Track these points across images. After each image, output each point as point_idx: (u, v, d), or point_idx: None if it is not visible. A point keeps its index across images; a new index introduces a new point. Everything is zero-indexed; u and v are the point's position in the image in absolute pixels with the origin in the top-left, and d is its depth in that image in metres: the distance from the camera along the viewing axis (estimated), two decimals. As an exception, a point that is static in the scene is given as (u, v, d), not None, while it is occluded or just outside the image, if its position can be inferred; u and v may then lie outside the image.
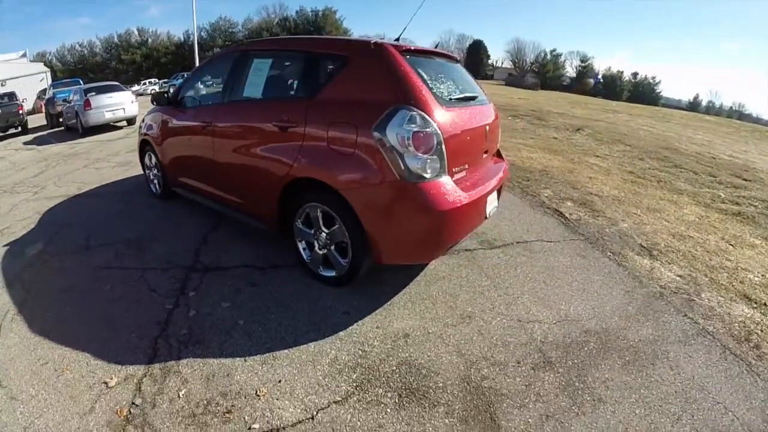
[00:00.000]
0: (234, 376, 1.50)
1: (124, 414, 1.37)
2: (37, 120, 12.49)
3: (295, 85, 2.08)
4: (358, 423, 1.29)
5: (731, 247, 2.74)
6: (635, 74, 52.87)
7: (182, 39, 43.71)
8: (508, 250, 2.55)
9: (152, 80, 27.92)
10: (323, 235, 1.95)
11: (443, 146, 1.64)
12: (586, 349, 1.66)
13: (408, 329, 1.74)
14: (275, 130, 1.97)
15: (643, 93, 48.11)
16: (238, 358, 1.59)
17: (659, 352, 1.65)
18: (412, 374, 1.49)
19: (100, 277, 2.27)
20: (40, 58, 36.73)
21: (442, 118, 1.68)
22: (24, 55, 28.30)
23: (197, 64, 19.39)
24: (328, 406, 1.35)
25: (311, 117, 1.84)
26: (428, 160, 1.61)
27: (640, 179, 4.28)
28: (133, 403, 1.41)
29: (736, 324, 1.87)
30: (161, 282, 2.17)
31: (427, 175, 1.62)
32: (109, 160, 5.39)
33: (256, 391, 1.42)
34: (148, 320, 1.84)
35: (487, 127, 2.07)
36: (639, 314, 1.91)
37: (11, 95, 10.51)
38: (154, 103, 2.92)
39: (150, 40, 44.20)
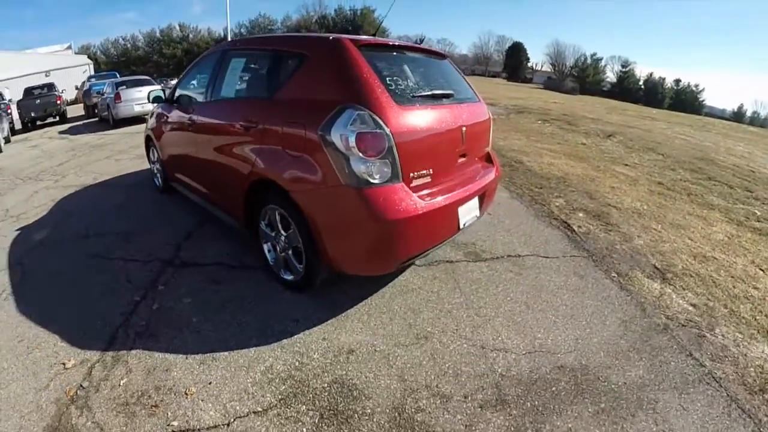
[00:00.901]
0: (172, 372, 1.61)
1: (71, 394, 1.53)
2: (78, 110, 13.97)
3: (260, 84, 2.15)
4: (270, 437, 1.32)
5: (761, 272, 2.42)
6: (678, 81, 52.54)
7: (222, 35, 47.27)
8: (494, 265, 2.44)
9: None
10: (282, 238, 2.00)
11: (395, 149, 1.60)
12: (553, 388, 1.52)
13: (354, 345, 1.74)
14: (240, 129, 2.06)
15: (685, 101, 47.82)
16: (180, 355, 1.69)
17: (645, 401, 1.48)
18: (342, 395, 1.48)
19: (88, 264, 2.52)
20: (85, 50, 40.29)
21: (397, 118, 1.63)
22: (69, 47, 31.15)
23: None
24: (247, 415, 1.40)
25: (270, 117, 1.90)
26: (376, 164, 1.57)
27: (669, 191, 4.00)
28: (81, 386, 1.56)
29: (752, 369, 1.64)
30: (138, 274, 2.36)
31: (375, 181, 1.58)
32: (130, 152, 5.96)
33: (186, 390, 1.51)
34: (116, 309, 2.02)
35: (464, 129, 1.98)
36: (632, 350, 1.74)
37: (50, 86, 11.80)
38: (152, 101, 3.18)
39: (191, 35, 47.64)
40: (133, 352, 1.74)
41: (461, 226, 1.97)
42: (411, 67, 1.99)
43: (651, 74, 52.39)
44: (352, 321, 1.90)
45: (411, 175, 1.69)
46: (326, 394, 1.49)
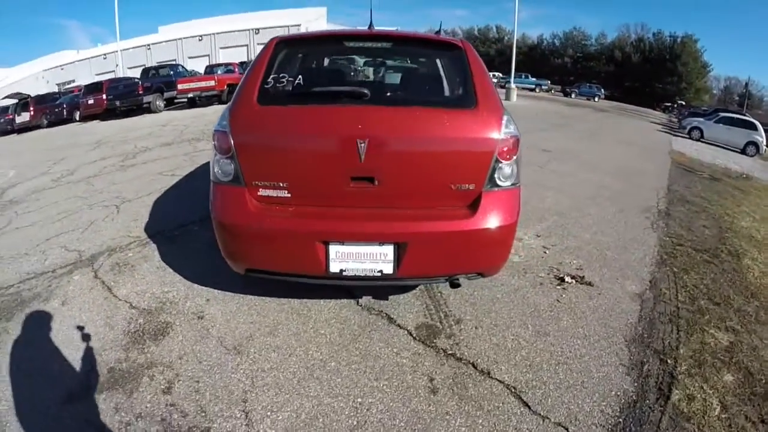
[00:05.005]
0: (146, 263, 2.87)
1: (114, 247, 3.13)
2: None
3: None
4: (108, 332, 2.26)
5: None
6: None
7: (535, 42, 56.41)
8: (425, 359, 2.00)
9: (496, 74, 34.32)
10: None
11: (235, 150, 1.86)
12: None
13: (208, 317, 2.29)
14: None
15: None
16: (159, 259, 2.92)
17: None
18: (154, 332, 2.16)
19: (196, 195, 4.32)
20: (410, 36, 56.89)
21: (246, 118, 1.90)
22: (395, 32, 44.26)
23: (513, 68, 23.40)
24: (128, 303, 2.43)
25: None
26: (223, 163, 1.92)
27: None
28: (120, 246, 3.15)
29: None
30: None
31: (222, 179, 1.94)
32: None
33: (135, 274, 2.74)
34: (178, 220, 3.59)
35: (363, 143, 1.78)
36: None
37: None
38: None
39: (506, 38, 55.51)
40: (152, 244, 3.16)
41: (333, 271, 1.86)
42: (341, 58, 2.21)
43: None
44: (236, 303, 2.41)
45: (255, 183, 1.89)
46: (153, 324, 2.23)
